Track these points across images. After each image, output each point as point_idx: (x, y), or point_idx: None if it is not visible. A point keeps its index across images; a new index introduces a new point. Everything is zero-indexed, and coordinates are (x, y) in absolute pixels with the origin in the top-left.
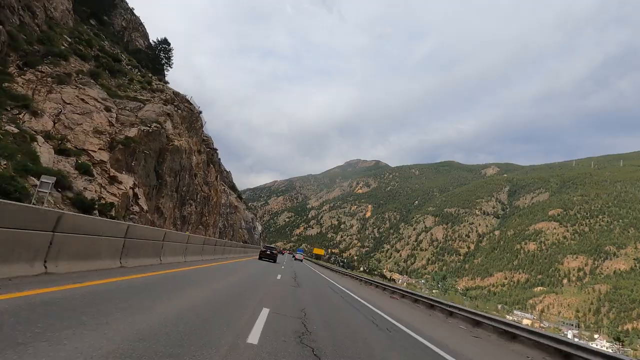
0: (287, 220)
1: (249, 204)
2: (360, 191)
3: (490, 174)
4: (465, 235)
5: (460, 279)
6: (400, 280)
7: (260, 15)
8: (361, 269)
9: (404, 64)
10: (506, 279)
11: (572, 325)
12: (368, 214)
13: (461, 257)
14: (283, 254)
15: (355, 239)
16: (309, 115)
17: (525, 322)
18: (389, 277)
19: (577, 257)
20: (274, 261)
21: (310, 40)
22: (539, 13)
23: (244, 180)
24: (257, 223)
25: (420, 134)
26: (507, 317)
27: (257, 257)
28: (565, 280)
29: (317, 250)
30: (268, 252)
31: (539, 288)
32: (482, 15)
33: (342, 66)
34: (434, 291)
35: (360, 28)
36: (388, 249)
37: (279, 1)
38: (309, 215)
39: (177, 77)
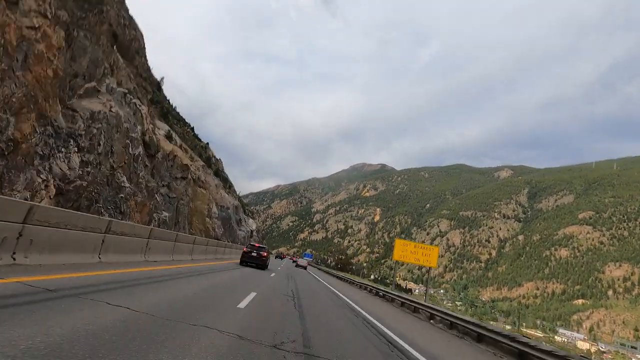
0: (290, 224)
1: (251, 208)
2: (367, 194)
3: (504, 176)
4: (485, 241)
5: (484, 288)
6: (417, 291)
7: (264, 20)
8: (372, 277)
9: (408, 68)
10: (538, 289)
11: (637, 348)
12: (377, 218)
13: (482, 265)
14: (283, 258)
15: (364, 244)
16: (313, 121)
17: (580, 345)
18: (404, 287)
19: (620, 265)
20: (263, 268)
21: (314, 46)
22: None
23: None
24: (244, 215)
25: (424, 140)
26: (556, 338)
27: (239, 260)
28: (610, 292)
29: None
30: (254, 254)
31: (580, 301)
32: (486, 19)
33: (346, 71)
34: (457, 303)
35: (364, 33)
36: None
37: (282, 6)
38: (314, 219)
39: (182, 83)
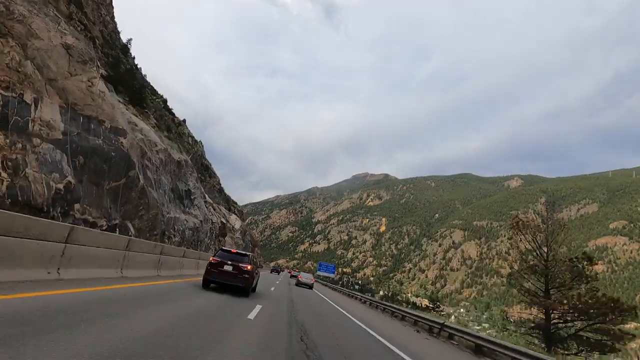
0: (290, 235)
1: (250, 218)
2: (371, 204)
3: (515, 185)
4: (505, 253)
5: (510, 307)
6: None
7: (267, 34)
8: (381, 292)
9: (410, 81)
10: None
11: None
12: (382, 228)
13: (504, 280)
14: (279, 272)
15: (370, 257)
16: (315, 133)
17: None
18: (419, 305)
19: None
20: (245, 292)
21: (317, 59)
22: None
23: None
24: (224, 210)
25: (426, 152)
26: None
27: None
28: None
29: None
30: (227, 268)
31: (632, 324)
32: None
33: (347, 84)
34: (484, 325)
35: (366, 46)
36: (410, 269)
37: (285, 21)
38: (315, 230)
39: (185, 96)
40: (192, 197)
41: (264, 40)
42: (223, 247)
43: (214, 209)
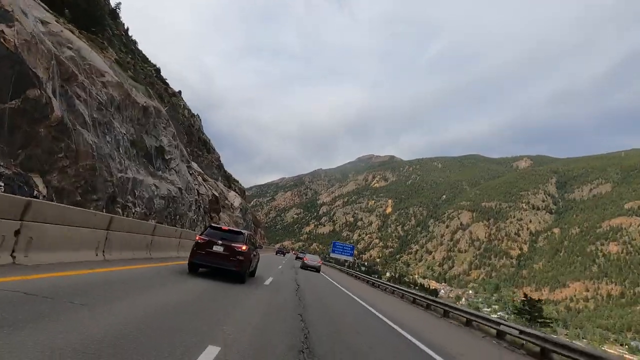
0: (295, 217)
1: (255, 200)
2: (377, 185)
3: (524, 166)
4: (515, 234)
5: (519, 289)
6: (442, 291)
7: (270, 14)
8: (387, 274)
9: (416, 63)
10: (588, 290)
11: None
12: (389, 210)
13: (514, 261)
14: (285, 254)
15: (376, 238)
16: (319, 115)
17: None
18: (426, 286)
19: None
20: (240, 278)
21: (321, 40)
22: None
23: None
24: (221, 186)
25: (432, 134)
26: None
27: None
28: None
29: None
30: (217, 248)
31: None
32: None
33: (352, 66)
34: (494, 307)
35: (372, 27)
36: (417, 250)
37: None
38: (320, 212)
39: (186, 76)
40: (167, 158)
41: (267, 20)
42: (213, 224)
43: (204, 180)
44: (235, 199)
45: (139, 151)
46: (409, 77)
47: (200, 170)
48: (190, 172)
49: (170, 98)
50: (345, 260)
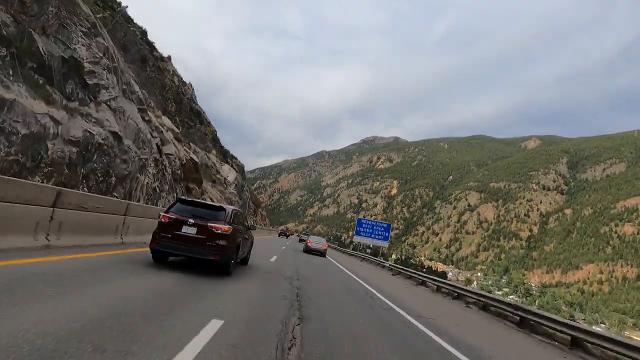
0: (299, 199)
1: (258, 182)
2: (382, 166)
3: (533, 146)
4: (524, 215)
5: (530, 271)
6: (450, 274)
7: None
8: (393, 256)
9: (421, 42)
10: (602, 273)
11: None
12: (394, 191)
13: (524, 243)
14: (289, 235)
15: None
16: (321, 98)
17: None
18: (434, 268)
19: None
20: (224, 268)
21: (324, 19)
22: None
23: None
24: (214, 158)
25: (436, 116)
26: None
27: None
28: None
29: None
30: (187, 230)
31: None
32: None
33: (356, 46)
34: (505, 290)
35: (376, 4)
36: (424, 232)
37: None
38: (324, 194)
39: (188, 58)
40: (89, 83)
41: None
42: (182, 197)
43: (176, 139)
44: (229, 173)
45: (23, 58)
46: (414, 57)
47: (175, 128)
48: (147, 118)
49: (157, 61)
50: (378, 246)
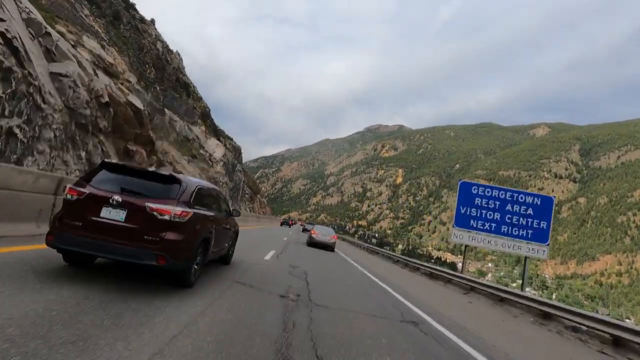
0: (302, 187)
1: (261, 171)
2: (386, 155)
3: (542, 134)
4: None
5: (543, 262)
6: (459, 264)
7: None
8: (400, 246)
9: (427, 29)
10: (620, 264)
11: None
12: (399, 180)
13: None
14: (291, 225)
15: (387, 209)
16: (325, 87)
17: None
18: (443, 260)
19: None
20: (177, 275)
21: (327, 5)
22: None
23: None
24: (199, 131)
25: (441, 104)
26: None
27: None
28: None
29: None
30: (115, 216)
31: None
32: None
33: (360, 33)
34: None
35: None
36: (430, 222)
37: None
38: (328, 182)
39: (191, 49)
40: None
41: None
42: (107, 160)
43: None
44: (216, 149)
45: None
46: (418, 44)
47: (112, 61)
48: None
49: (135, 21)
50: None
